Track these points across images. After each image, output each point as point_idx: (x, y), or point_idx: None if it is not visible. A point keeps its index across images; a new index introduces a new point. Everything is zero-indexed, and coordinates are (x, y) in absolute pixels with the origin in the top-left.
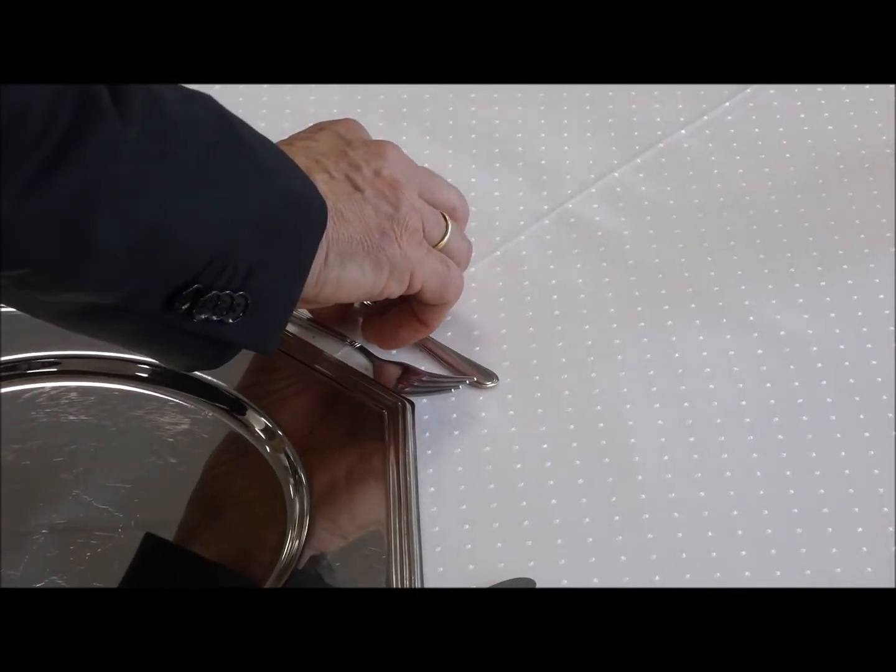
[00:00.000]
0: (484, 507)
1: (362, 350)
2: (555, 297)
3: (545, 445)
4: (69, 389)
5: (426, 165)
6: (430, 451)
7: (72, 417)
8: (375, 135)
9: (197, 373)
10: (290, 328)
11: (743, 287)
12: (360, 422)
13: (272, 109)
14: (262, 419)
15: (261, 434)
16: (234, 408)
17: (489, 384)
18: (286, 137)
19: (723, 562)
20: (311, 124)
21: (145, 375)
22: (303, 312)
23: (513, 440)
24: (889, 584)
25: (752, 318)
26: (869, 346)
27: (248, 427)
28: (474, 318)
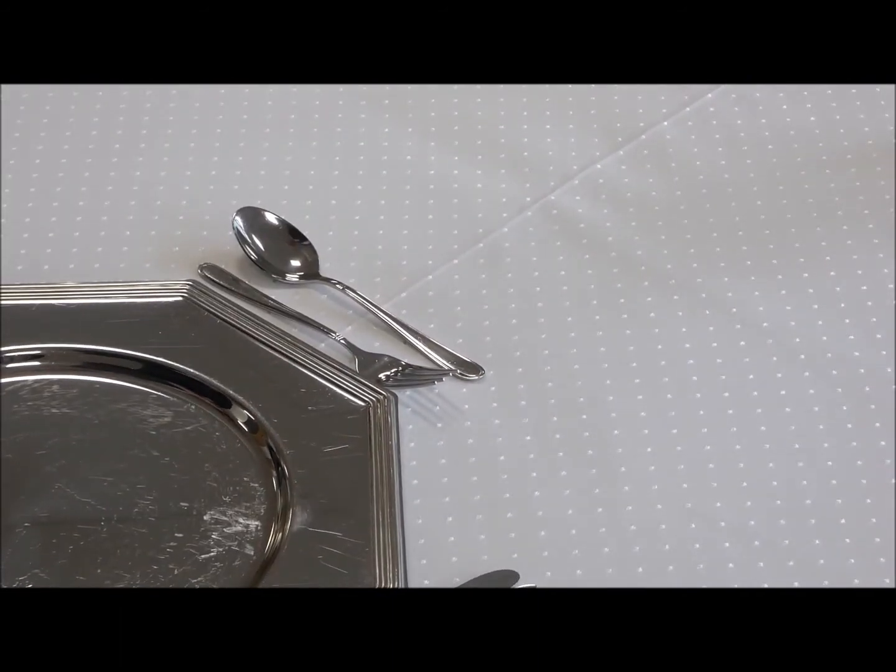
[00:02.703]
0: (467, 499)
1: (346, 343)
2: (538, 289)
3: (528, 437)
4: (51, 382)
5: (408, 158)
6: (413, 444)
7: (54, 410)
8: (358, 128)
9: (180, 365)
10: (273, 320)
11: (726, 279)
12: (344, 414)
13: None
14: (245, 412)
15: (243, 426)
16: (217, 401)
17: (473, 376)
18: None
19: (706, 553)
20: (291, 117)
21: (128, 368)
22: (285, 307)
23: (496, 432)
24: (871, 573)
25: (734, 309)
26: (851, 337)
27: (231, 420)
28: (457, 311)
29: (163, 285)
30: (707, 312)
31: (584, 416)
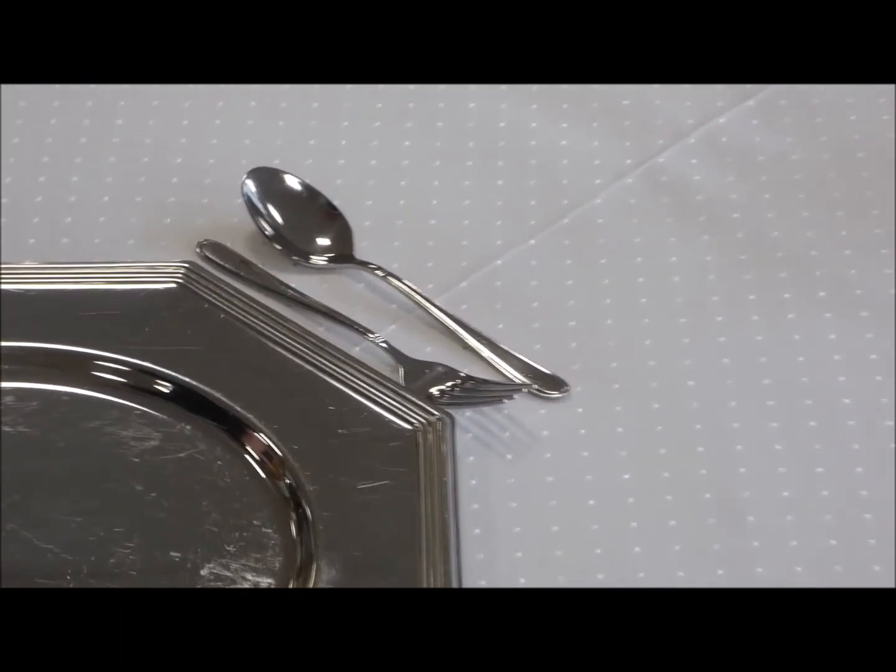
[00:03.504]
0: (546, 554)
1: (387, 347)
2: (640, 280)
3: (627, 476)
4: (5, 392)
5: (471, 106)
6: (474, 482)
7: (7, 429)
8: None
9: (171, 372)
10: (293, 316)
11: (887, 270)
12: (384, 441)
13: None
14: (257, 435)
15: (254, 454)
16: (220, 419)
17: (554, 394)
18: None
19: (846, 564)
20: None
21: (104, 376)
22: (309, 298)
23: (584, 468)
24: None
25: None
26: None
27: (239, 445)
28: (534, 307)
29: (150, 268)
30: (864, 315)
31: (701, 449)
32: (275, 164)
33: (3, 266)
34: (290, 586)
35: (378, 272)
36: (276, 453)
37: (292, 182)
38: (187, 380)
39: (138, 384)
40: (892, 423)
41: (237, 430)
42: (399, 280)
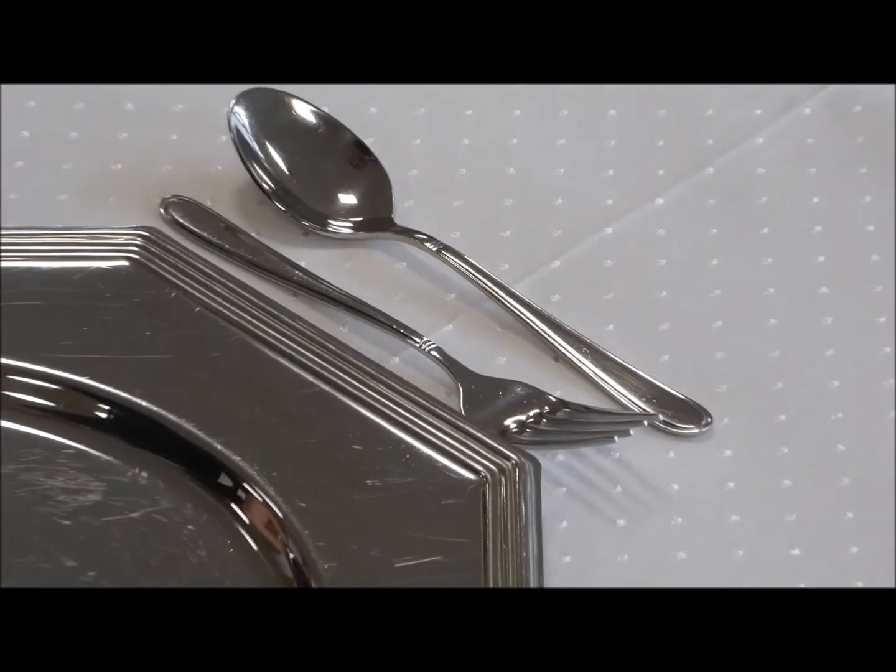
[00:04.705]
0: None
1: (440, 356)
2: (821, 258)
3: (797, 552)
4: None
5: None
6: (568, 559)
7: None
8: None
9: (121, 393)
10: (302, 310)
11: None
12: (436, 498)
13: None
14: (247, 487)
15: (242, 515)
16: (191, 463)
17: (690, 429)
18: None
19: None
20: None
21: (21, 397)
22: (326, 284)
23: (735, 541)
24: None
25: None
26: None
27: (219, 501)
28: (661, 298)
29: (91, 238)
30: None
31: None
32: (279, 84)
33: None
34: None
35: (429, 245)
36: (274, 514)
37: (303, 110)
38: (144, 403)
39: (72, 409)
40: None
41: (217, 478)
42: (460, 258)
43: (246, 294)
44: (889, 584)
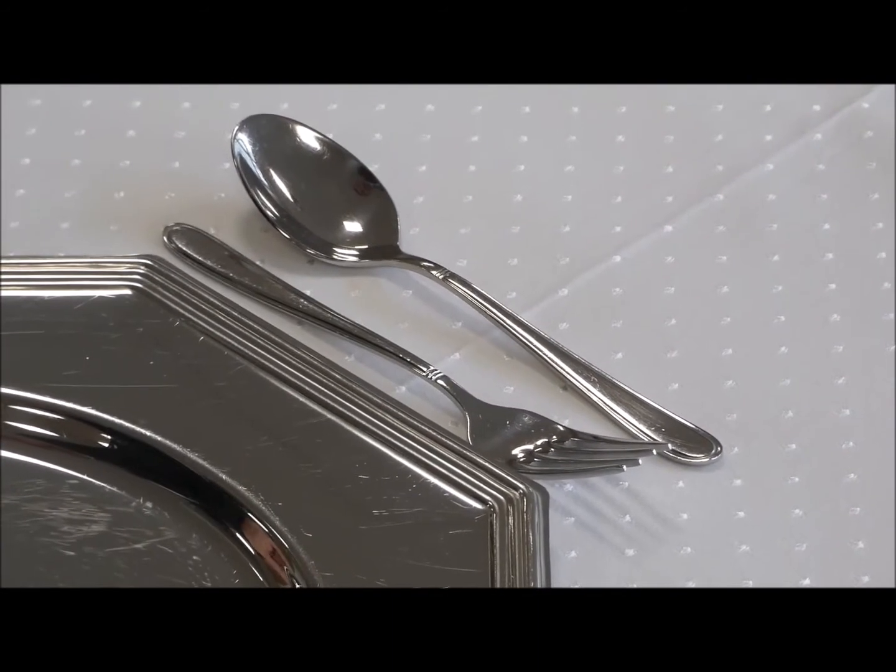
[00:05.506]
0: None
1: (447, 385)
2: (832, 286)
3: (808, 581)
4: None
5: None
6: (578, 585)
7: None
8: None
9: (124, 422)
10: (308, 338)
11: None
12: (442, 529)
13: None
14: (251, 518)
15: (248, 545)
16: (196, 493)
17: (699, 458)
18: None
19: None
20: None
21: (24, 427)
22: (332, 313)
23: (745, 571)
24: None
25: None
26: None
27: (224, 532)
28: (671, 325)
29: (93, 266)
30: None
31: None
32: (282, 110)
33: None
34: None
35: (435, 273)
36: (280, 545)
37: (307, 137)
38: (148, 433)
39: (75, 439)
40: None
41: (222, 509)
42: (467, 286)
43: (250, 323)
44: None
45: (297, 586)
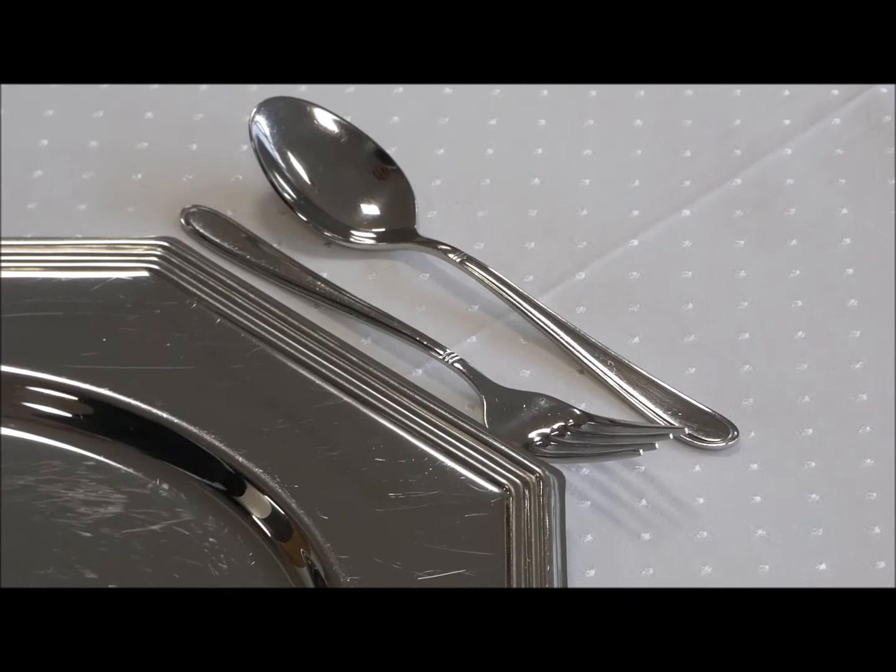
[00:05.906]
0: None
1: (463, 368)
2: (849, 271)
3: (824, 566)
4: None
5: None
6: (592, 573)
7: None
8: None
9: (141, 404)
10: (325, 321)
11: None
12: (459, 512)
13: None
14: (267, 500)
15: (264, 527)
16: (212, 475)
17: (716, 442)
18: None
19: None
20: None
21: (41, 408)
22: (349, 296)
23: (761, 556)
24: None
25: None
26: None
27: (241, 514)
28: (688, 309)
29: (111, 248)
30: None
31: None
32: (300, 92)
33: None
34: None
35: (453, 256)
36: (297, 527)
37: (325, 119)
38: (164, 415)
39: (91, 421)
40: None
41: (239, 491)
42: (484, 269)
43: (267, 305)
44: None
45: (314, 569)
